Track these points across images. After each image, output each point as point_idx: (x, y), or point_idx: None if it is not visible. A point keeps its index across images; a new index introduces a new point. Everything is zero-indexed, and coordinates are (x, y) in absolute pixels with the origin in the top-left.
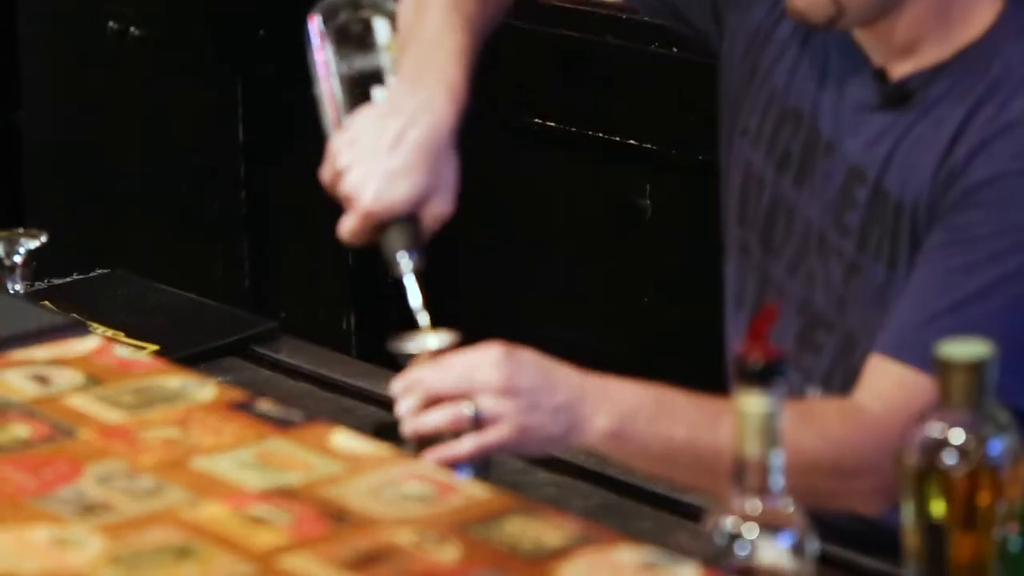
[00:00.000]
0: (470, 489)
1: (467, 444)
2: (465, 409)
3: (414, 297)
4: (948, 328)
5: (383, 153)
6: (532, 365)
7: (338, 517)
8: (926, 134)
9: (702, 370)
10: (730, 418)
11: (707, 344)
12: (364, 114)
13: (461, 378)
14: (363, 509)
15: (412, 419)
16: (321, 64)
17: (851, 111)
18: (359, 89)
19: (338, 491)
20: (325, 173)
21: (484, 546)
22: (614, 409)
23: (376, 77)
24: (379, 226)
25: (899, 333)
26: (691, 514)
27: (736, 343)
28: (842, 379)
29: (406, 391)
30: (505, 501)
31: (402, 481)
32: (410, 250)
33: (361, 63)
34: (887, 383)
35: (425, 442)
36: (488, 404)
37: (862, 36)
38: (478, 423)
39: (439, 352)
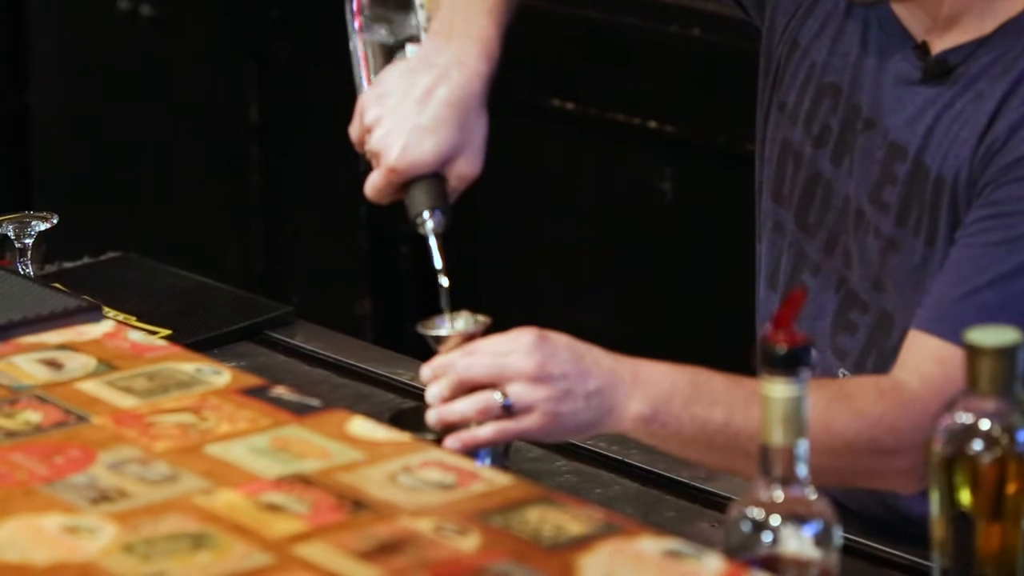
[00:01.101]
0: (490, 477)
1: (497, 431)
2: (496, 397)
3: (436, 258)
4: (987, 303)
5: (411, 109)
6: (565, 351)
7: (356, 505)
8: (967, 109)
9: (726, 355)
10: None
11: (730, 329)
12: (394, 69)
13: (493, 365)
14: (381, 497)
15: (440, 406)
16: (356, 19)
17: (891, 86)
18: (393, 46)
19: (356, 478)
20: (353, 129)
21: (504, 535)
22: (648, 394)
23: (411, 36)
24: (404, 184)
25: (937, 308)
26: (714, 503)
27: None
28: (875, 360)
29: (435, 377)
30: (526, 489)
31: (421, 468)
32: (434, 209)
33: (397, 20)
34: (925, 359)
35: (450, 430)
36: (520, 392)
37: (903, 11)
38: (509, 411)
39: (470, 336)
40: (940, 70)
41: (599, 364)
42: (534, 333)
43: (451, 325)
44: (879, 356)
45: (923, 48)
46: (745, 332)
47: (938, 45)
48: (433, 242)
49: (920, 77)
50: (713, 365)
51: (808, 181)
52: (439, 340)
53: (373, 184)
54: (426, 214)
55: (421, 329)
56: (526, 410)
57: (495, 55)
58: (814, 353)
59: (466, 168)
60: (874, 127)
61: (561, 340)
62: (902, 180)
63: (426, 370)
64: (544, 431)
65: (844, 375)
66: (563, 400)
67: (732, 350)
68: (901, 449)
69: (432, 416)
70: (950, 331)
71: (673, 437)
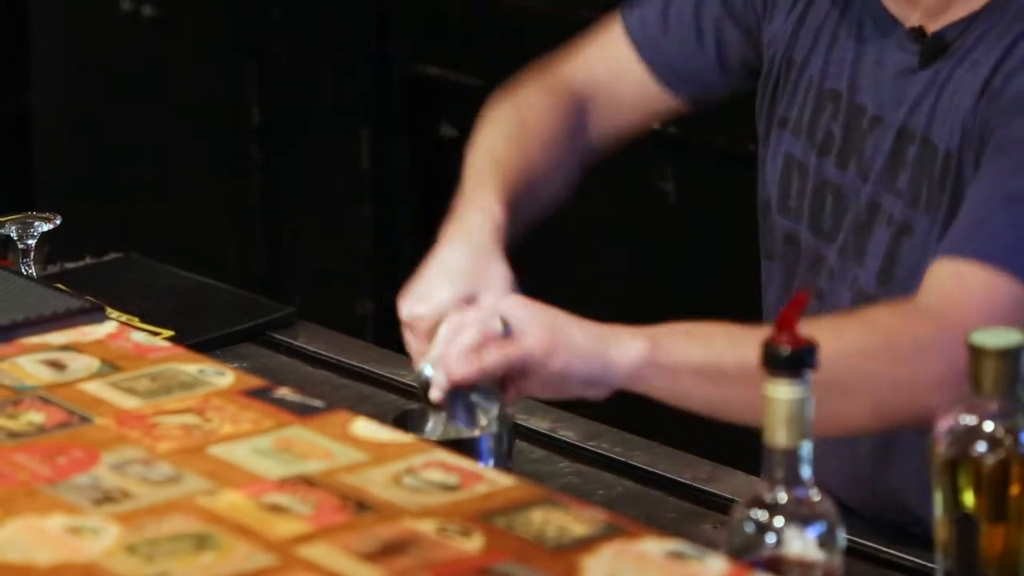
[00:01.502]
0: (494, 478)
1: (499, 355)
2: (495, 322)
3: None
4: (1002, 225)
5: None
6: (552, 310)
7: (359, 506)
8: (964, 78)
9: None
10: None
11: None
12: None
13: (483, 318)
14: (385, 498)
15: (445, 348)
16: None
17: (893, 78)
18: None
19: (359, 479)
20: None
21: (508, 536)
22: (644, 332)
23: None
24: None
25: (954, 235)
26: (717, 504)
27: None
28: None
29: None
30: (529, 490)
31: (424, 469)
32: None
33: None
34: (943, 278)
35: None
36: (518, 314)
37: (894, 3)
38: (508, 334)
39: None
40: (937, 48)
41: (584, 322)
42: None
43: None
44: None
45: (919, 31)
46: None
47: (932, 27)
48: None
49: (919, 61)
50: None
51: (816, 190)
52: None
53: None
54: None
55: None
56: (525, 330)
57: (498, 218)
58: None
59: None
60: (881, 122)
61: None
62: (911, 162)
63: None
64: (545, 352)
65: None
66: (560, 325)
67: None
68: (921, 355)
69: (434, 395)
70: (968, 250)
71: (679, 367)
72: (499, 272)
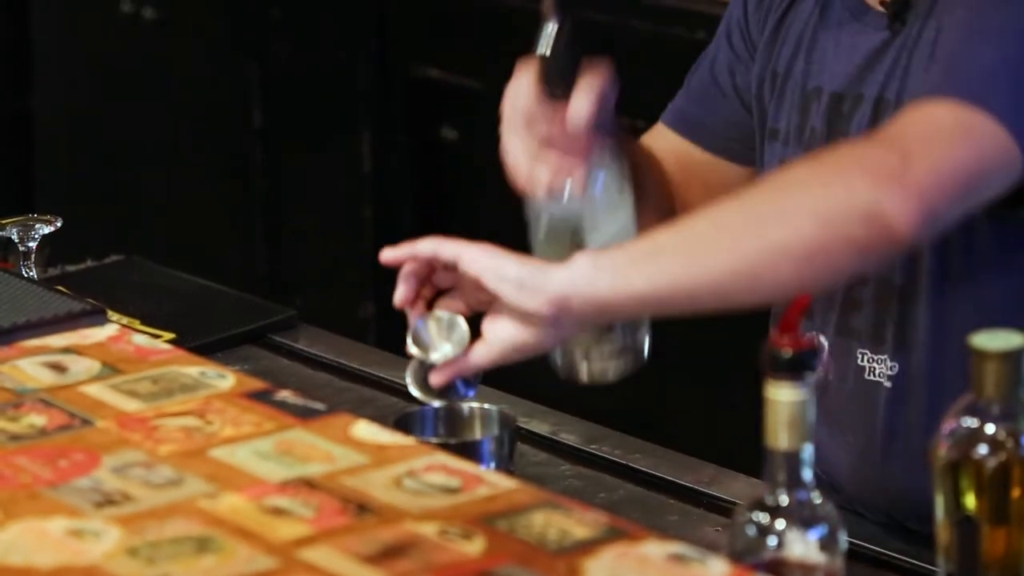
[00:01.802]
0: (495, 481)
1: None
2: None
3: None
4: (970, 64)
5: None
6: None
7: (360, 508)
8: (927, 36)
9: (737, 357)
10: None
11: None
12: None
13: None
14: (386, 501)
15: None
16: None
17: (866, 57)
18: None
19: (360, 482)
20: None
21: (509, 539)
22: (586, 255)
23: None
24: None
25: (923, 88)
26: (719, 507)
27: None
28: (893, 332)
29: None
30: (531, 493)
31: (426, 472)
32: None
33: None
34: (912, 115)
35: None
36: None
37: None
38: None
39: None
40: (901, 7)
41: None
42: None
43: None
44: (895, 326)
45: (887, 7)
46: (754, 336)
47: None
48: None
49: (888, 34)
50: (723, 367)
51: None
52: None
53: None
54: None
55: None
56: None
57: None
58: (825, 347)
59: None
60: (861, 100)
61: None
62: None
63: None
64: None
65: (864, 355)
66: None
67: (742, 353)
68: (862, 164)
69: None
70: (939, 93)
71: (620, 262)
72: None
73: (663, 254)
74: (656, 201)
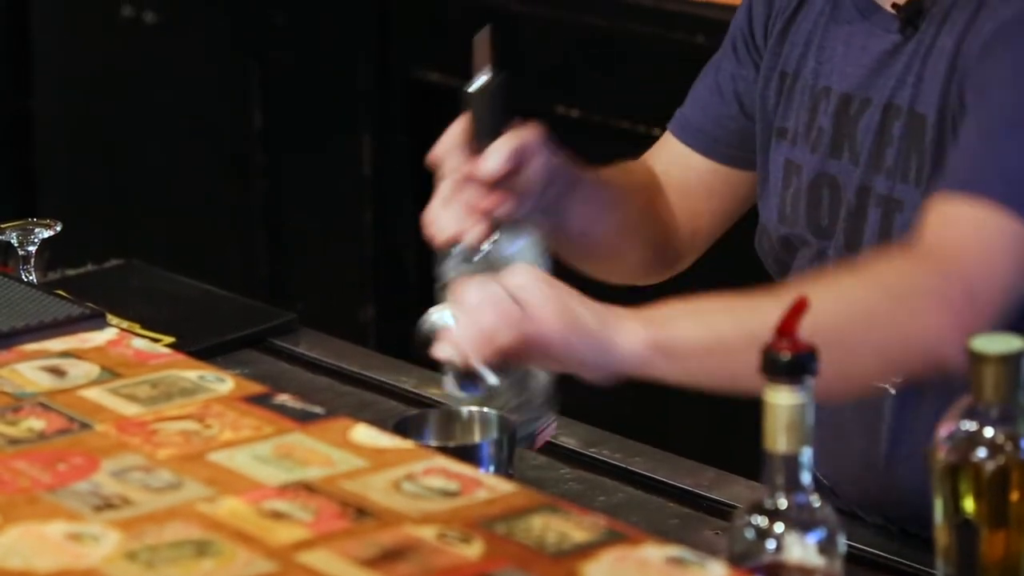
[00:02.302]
0: (494, 484)
1: (508, 336)
2: (509, 301)
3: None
4: (991, 160)
5: None
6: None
7: (359, 512)
8: (943, 43)
9: None
10: (773, 302)
11: None
12: None
13: (502, 296)
14: (385, 504)
15: (462, 329)
16: None
17: (878, 59)
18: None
19: (359, 486)
20: None
21: (508, 542)
22: (646, 315)
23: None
24: None
25: (947, 173)
26: (718, 510)
27: None
28: None
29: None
30: (530, 497)
31: (424, 476)
32: None
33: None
34: (939, 218)
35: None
36: (532, 292)
37: None
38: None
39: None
40: (913, 12)
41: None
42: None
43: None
44: None
45: (899, 8)
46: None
47: None
48: None
49: (898, 29)
50: None
51: (811, 186)
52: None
53: None
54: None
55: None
56: (537, 310)
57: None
58: None
59: None
60: (869, 104)
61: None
62: (898, 136)
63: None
64: (555, 332)
65: None
66: (571, 305)
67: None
68: (924, 303)
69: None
70: (959, 187)
71: (678, 348)
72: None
73: (730, 355)
74: (643, 230)
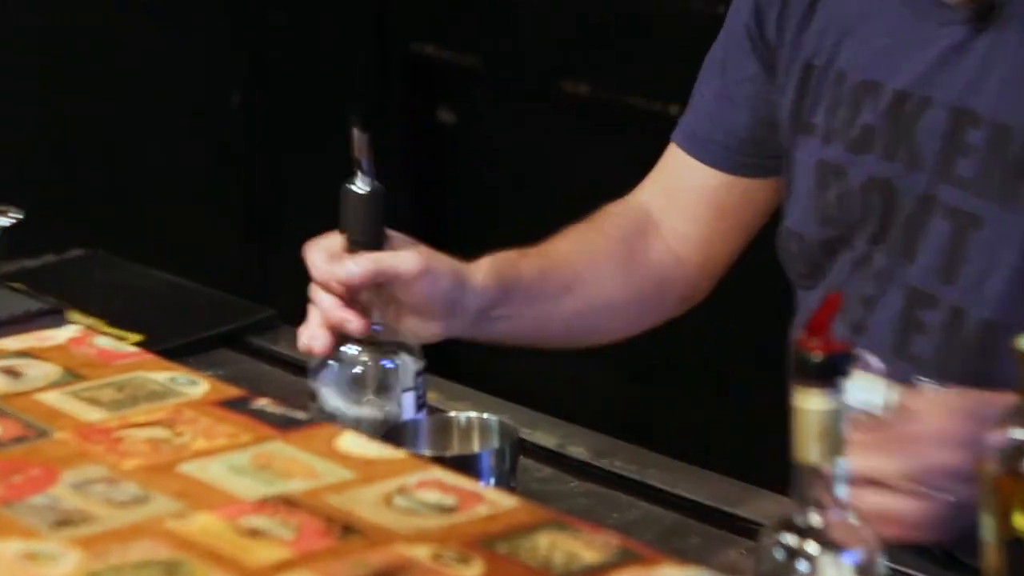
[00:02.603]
0: (495, 499)
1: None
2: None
3: None
4: None
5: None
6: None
7: (346, 529)
8: (1017, 45)
9: (761, 351)
10: None
11: (764, 321)
12: None
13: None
14: (374, 521)
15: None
16: None
17: (941, 56)
18: None
19: (346, 500)
20: None
21: (511, 563)
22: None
23: None
24: None
25: None
26: (743, 528)
27: None
28: (958, 362)
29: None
30: (535, 513)
31: (418, 489)
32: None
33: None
34: None
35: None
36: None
37: None
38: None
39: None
40: (984, 9)
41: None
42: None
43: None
44: (959, 356)
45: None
46: (782, 339)
47: None
48: None
49: (967, 32)
50: (748, 374)
51: (863, 190)
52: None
53: None
54: None
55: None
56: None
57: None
58: (874, 362)
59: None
60: (930, 104)
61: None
62: (976, 148)
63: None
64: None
65: (921, 382)
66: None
67: (769, 358)
68: None
69: None
70: None
71: None
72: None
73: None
74: (624, 292)
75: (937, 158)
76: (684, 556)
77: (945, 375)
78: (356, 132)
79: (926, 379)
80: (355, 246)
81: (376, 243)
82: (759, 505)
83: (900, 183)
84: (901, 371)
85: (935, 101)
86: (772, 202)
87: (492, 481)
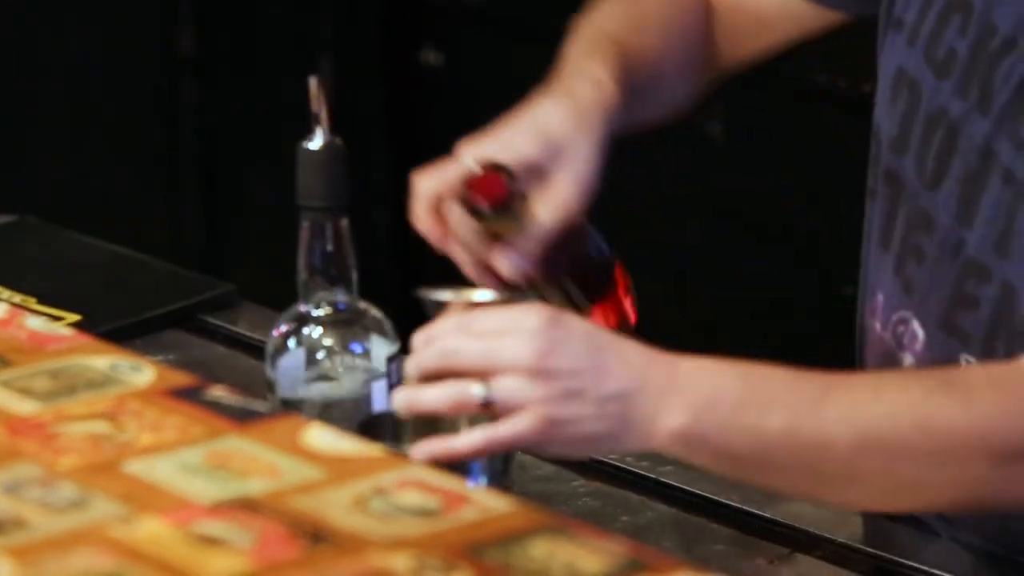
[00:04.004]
0: (485, 501)
1: (471, 438)
2: (474, 391)
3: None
4: None
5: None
6: (580, 341)
7: (314, 536)
8: None
9: (793, 316)
10: (841, 395)
11: (796, 289)
12: None
13: (483, 349)
14: (346, 526)
15: (411, 388)
16: None
17: None
18: None
19: (314, 503)
20: None
21: (502, 573)
22: (686, 401)
23: None
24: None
25: None
26: (773, 533)
27: (880, 293)
28: (1005, 343)
29: (425, 345)
30: (531, 516)
31: (397, 490)
32: None
33: None
34: None
35: (422, 427)
36: (509, 386)
37: None
38: (490, 409)
39: (478, 305)
40: None
41: (625, 361)
42: (544, 315)
43: (460, 293)
44: (1009, 338)
45: None
46: (811, 327)
47: None
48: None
49: None
50: (771, 329)
51: (929, 120)
52: (439, 307)
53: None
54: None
55: (422, 293)
56: (514, 410)
57: (615, 99)
58: (922, 334)
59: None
60: (1014, 48)
61: (578, 326)
62: None
63: (418, 337)
64: (541, 440)
65: (968, 362)
66: (566, 402)
67: (798, 337)
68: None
69: (398, 398)
70: None
71: (721, 454)
72: (587, 155)
73: (773, 463)
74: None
75: (1003, 110)
76: (705, 564)
77: (989, 351)
78: (312, 80)
79: (972, 357)
80: (309, 212)
81: (336, 207)
82: (790, 508)
83: (964, 125)
84: (945, 346)
85: (1019, 48)
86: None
87: (483, 481)
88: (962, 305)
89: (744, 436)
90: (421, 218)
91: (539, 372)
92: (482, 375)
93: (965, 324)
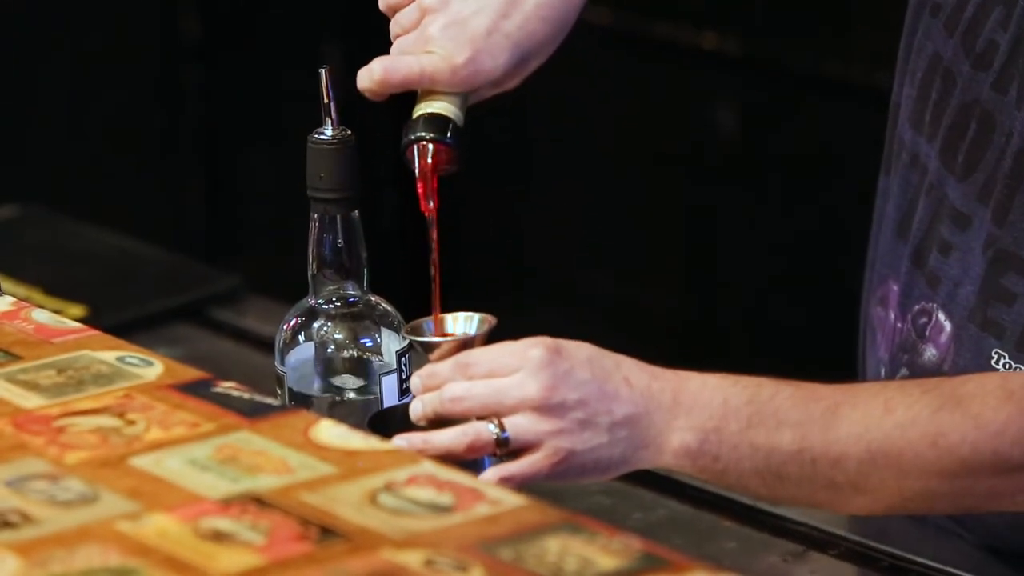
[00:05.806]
0: (498, 497)
1: (489, 475)
2: (490, 429)
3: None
4: None
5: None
6: (584, 368)
7: (324, 532)
8: None
9: (806, 310)
10: (850, 411)
11: (808, 280)
12: None
13: (493, 391)
14: (357, 522)
15: (420, 436)
16: None
17: None
18: None
19: (324, 499)
20: None
21: (516, 570)
22: (694, 420)
23: None
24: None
25: None
26: (786, 531)
27: (895, 282)
28: None
29: (425, 389)
30: (544, 513)
31: (408, 486)
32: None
33: None
34: None
35: (432, 422)
36: (522, 425)
37: None
38: (506, 446)
39: (468, 342)
40: None
41: (630, 384)
42: (544, 346)
43: (446, 326)
44: None
45: None
46: (822, 324)
47: None
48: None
49: None
50: (786, 319)
51: (961, 109)
52: (429, 348)
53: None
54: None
55: (407, 334)
56: (530, 447)
57: None
58: (948, 326)
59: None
60: None
61: (580, 353)
62: None
63: (415, 380)
64: (556, 472)
65: (1001, 358)
66: (578, 433)
67: (812, 334)
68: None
69: (406, 442)
70: None
71: (730, 471)
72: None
73: (784, 479)
74: None
75: None
76: (718, 562)
77: (1022, 346)
78: (323, 71)
79: (1003, 352)
80: (319, 204)
81: (347, 199)
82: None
83: (1001, 120)
84: (976, 339)
85: None
86: None
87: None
88: (996, 299)
89: (754, 454)
90: None
91: (549, 407)
92: (491, 415)
93: (999, 318)
